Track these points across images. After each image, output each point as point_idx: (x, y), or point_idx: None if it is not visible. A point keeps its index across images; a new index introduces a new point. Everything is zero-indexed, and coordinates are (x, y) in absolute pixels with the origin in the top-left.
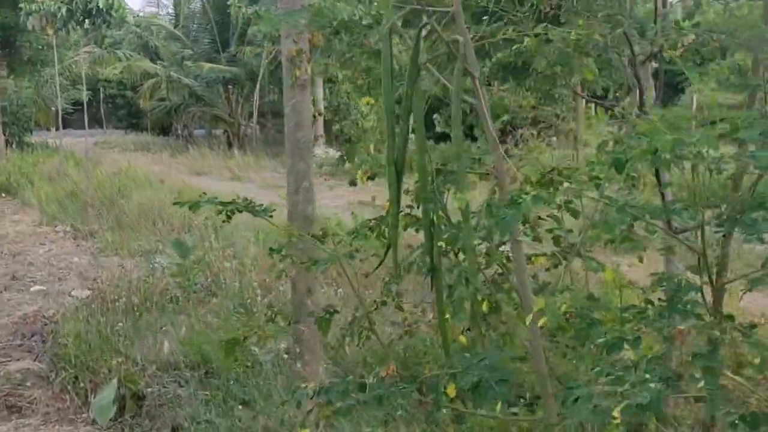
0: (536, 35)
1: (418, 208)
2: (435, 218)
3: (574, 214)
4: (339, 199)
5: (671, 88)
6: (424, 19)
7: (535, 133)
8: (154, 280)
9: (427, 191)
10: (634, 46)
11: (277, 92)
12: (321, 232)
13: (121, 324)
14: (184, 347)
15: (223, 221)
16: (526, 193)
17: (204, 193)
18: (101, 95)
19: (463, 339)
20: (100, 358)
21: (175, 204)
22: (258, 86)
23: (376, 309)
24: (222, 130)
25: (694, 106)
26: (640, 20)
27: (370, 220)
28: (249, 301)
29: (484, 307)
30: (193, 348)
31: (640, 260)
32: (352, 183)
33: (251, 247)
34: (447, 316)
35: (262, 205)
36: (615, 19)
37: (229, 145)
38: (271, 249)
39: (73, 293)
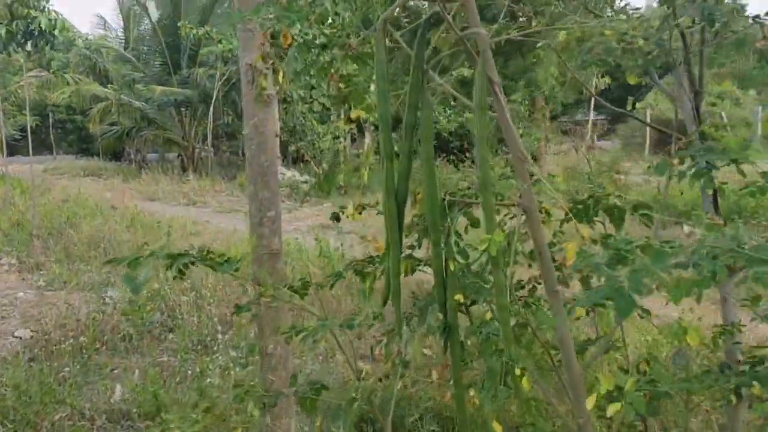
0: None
1: (419, 248)
2: (450, 264)
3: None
4: (299, 222)
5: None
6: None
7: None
8: (104, 317)
9: (438, 229)
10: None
11: (231, 114)
12: (300, 282)
13: (67, 369)
14: (137, 394)
15: (174, 277)
16: (631, 243)
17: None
18: (50, 120)
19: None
20: (42, 411)
21: (107, 263)
22: (212, 108)
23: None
24: (176, 153)
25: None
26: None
27: (358, 261)
28: (209, 338)
29: (525, 382)
30: (147, 395)
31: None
32: (336, 218)
33: (209, 277)
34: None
35: (223, 255)
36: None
37: (184, 168)
38: (237, 307)
39: (16, 333)
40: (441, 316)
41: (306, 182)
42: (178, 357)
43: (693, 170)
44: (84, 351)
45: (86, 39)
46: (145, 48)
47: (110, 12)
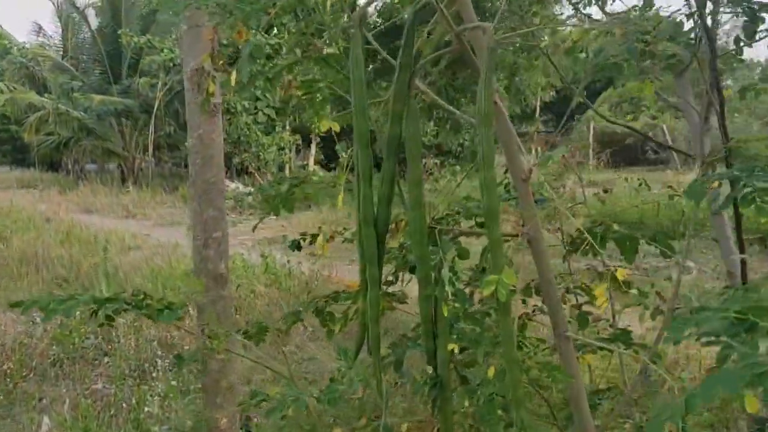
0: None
1: (396, 282)
2: (441, 308)
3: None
4: (243, 236)
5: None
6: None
7: (438, 162)
8: (33, 340)
9: (428, 265)
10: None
11: (173, 124)
12: (255, 326)
13: None
14: (66, 429)
15: (101, 325)
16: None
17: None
18: None
19: None
20: None
21: (13, 306)
22: (153, 119)
23: None
24: (115, 164)
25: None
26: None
27: (322, 299)
28: (147, 363)
29: None
30: (77, 429)
31: None
32: (296, 246)
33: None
34: None
35: (162, 300)
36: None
37: (123, 180)
38: (178, 357)
39: None
40: (429, 369)
41: (250, 194)
42: (113, 385)
43: (742, 193)
44: (9, 378)
45: (22, 47)
46: (84, 56)
47: (48, 20)
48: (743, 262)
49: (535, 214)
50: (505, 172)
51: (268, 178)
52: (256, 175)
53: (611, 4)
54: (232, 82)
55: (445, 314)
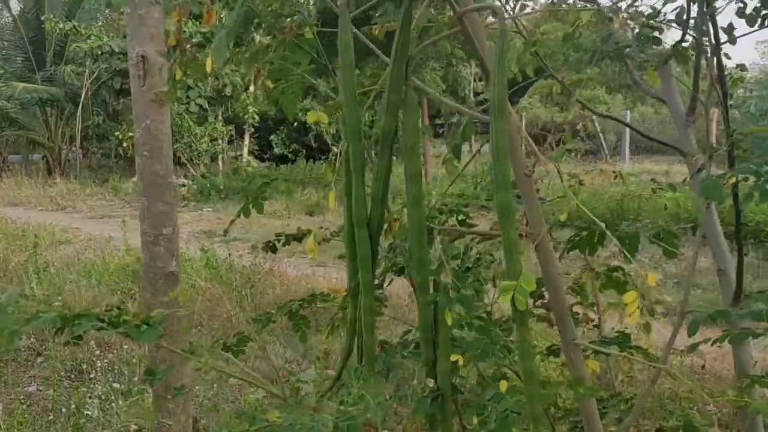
0: None
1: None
2: (445, 315)
3: None
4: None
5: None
6: None
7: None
8: None
9: (427, 269)
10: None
11: (102, 114)
12: (236, 338)
13: None
14: None
15: (66, 343)
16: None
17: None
18: None
19: None
20: None
21: None
22: (80, 108)
23: None
24: (41, 155)
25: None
26: None
27: (296, 302)
28: (84, 364)
29: None
30: None
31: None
32: (272, 249)
33: (83, 292)
34: None
35: (137, 316)
36: None
37: (50, 171)
38: (149, 372)
39: None
40: (430, 382)
41: (184, 186)
42: (50, 388)
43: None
44: None
45: None
46: (5, 43)
47: None
48: (740, 261)
49: (540, 212)
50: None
51: (201, 169)
52: (188, 165)
53: None
54: (208, 69)
55: (449, 322)
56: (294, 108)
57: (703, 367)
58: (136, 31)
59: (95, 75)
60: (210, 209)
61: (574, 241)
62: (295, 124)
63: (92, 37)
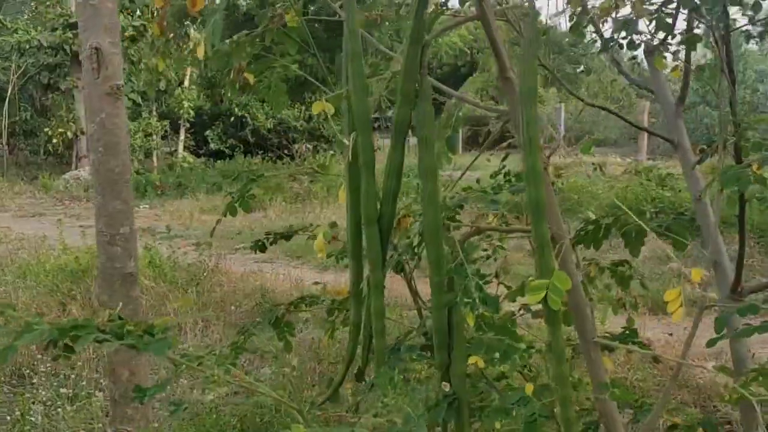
0: None
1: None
2: (467, 317)
3: None
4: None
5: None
6: None
7: (311, 147)
8: None
9: (443, 268)
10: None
11: (29, 109)
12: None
13: None
14: None
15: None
16: None
17: None
18: None
19: None
20: None
21: None
22: (6, 103)
23: None
24: None
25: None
26: None
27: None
28: (25, 368)
29: None
30: None
31: None
32: (261, 247)
33: (20, 294)
34: None
35: (141, 324)
36: None
37: None
38: (138, 389)
39: None
40: (446, 387)
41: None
42: None
43: None
44: None
45: None
46: None
47: None
48: (741, 252)
49: (556, 207)
50: (504, 159)
51: (135, 165)
52: None
53: None
54: (200, 55)
55: (471, 323)
56: (281, 102)
57: (655, 359)
58: (90, 22)
59: (22, 70)
60: (146, 206)
61: (580, 235)
62: (232, 118)
63: (19, 31)
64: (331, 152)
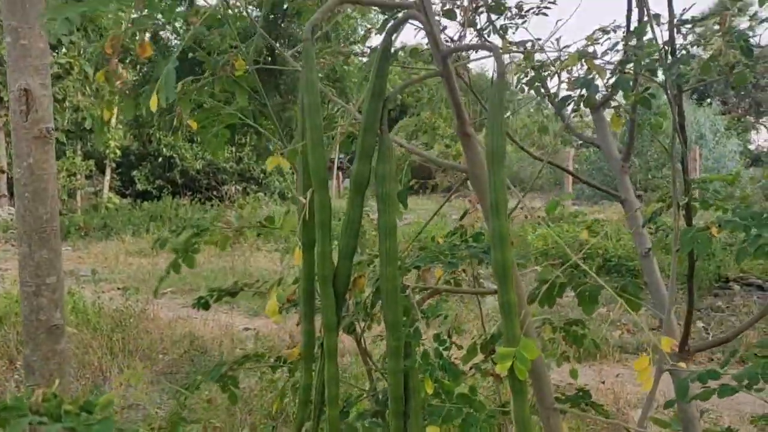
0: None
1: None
2: (424, 384)
3: None
4: None
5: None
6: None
7: (240, 189)
8: None
9: (400, 332)
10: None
11: None
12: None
13: None
14: None
15: None
16: None
17: None
18: None
19: None
20: None
21: None
22: None
23: None
24: None
25: None
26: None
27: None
28: None
29: None
30: None
31: None
32: (204, 305)
33: None
34: None
35: (77, 401)
36: None
37: None
38: None
39: None
40: None
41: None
42: None
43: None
44: None
45: None
46: None
47: None
48: (690, 309)
49: (515, 269)
50: (461, 217)
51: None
52: None
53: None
54: (153, 107)
55: (429, 391)
56: (222, 150)
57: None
58: (19, 63)
59: None
60: (69, 248)
61: (534, 294)
62: (160, 159)
63: None
64: (260, 194)
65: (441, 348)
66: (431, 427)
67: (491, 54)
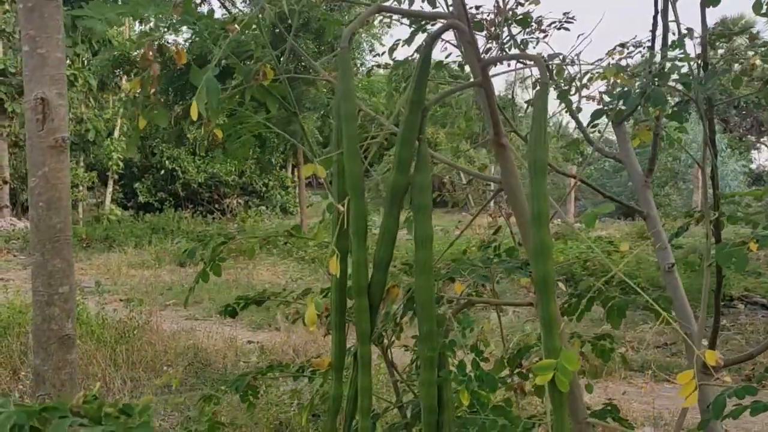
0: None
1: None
2: (461, 397)
3: None
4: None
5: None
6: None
7: (242, 202)
8: None
9: (435, 343)
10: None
11: None
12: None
13: None
14: None
15: None
16: None
17: None
18: None
19: None
20: None
21: None
22: None
23: None
24: None
25: None
26: None
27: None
28: None
29: None
30: None
31: None
32: (232, 313)
33: None
34: None
35: (118, 401)
36: None
37: None
38: None
39: None
40: None
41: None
42: None
43: None
44: None
45: None
46: None
47: None
48: (716, 325)
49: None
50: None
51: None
52: None
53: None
54: (194, 115)
55: (466, 402)
56: (247, 158)
57: None
58: (36, 72)
59: None
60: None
61: (563, 308)
62: (162, 171)
63: None
64: (262, 207)
65: (478, 358)
66: None
67: (525, 65)
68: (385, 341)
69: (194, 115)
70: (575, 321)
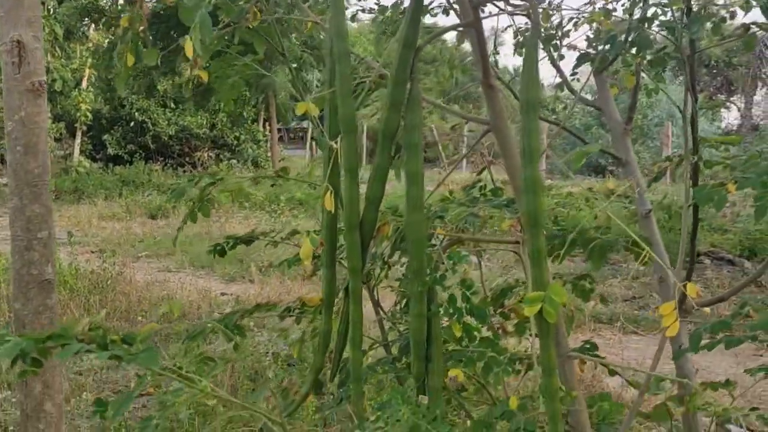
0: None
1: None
2: (453, 328)
3: None
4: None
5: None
6: None
7: (213, 155)
8: None
9: (424, 277)
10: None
11: None
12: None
13: None
14: None
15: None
16: None
17: None
18: None
19: None
20: None
21: None
22: None
23: None
24: None
25: None
26: None
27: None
28: None
29: None
30: None
31: None
32: (221, 252)
33: None
34: None
35: (103, 332)
36: None
37: None
38: (98, 402)
39: None
40: (425, 400)
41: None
42: None
43: None
44: None
45: None
46: None
47: None
48: (691, 269)
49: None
50: (480, 172)
51: None
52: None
53: None
54: (189, 52)
55: (458, 334)
56: (234, 102)
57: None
58: (11, 14)
59: None
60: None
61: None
62: (132, 123)
63: None
64: (234, 161)
65: (468, 292)
66: (454, 369)
67: (516, 8)
68: (373, 281)
69: (189, 52)
70: (556, 264)
